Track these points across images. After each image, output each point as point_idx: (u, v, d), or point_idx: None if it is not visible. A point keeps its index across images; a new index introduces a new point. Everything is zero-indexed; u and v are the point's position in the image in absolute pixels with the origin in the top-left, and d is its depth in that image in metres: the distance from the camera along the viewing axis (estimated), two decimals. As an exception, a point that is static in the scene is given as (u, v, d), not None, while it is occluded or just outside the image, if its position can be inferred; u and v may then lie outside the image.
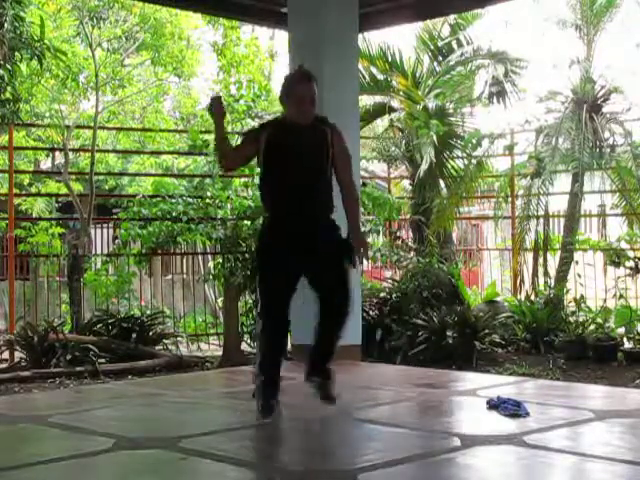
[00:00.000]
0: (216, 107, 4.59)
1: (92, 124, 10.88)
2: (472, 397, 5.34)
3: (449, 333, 8.02)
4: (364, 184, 10.72)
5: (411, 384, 5.72)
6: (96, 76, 10.85)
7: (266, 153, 4.54)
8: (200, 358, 8.67)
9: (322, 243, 4.52)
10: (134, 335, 8.59)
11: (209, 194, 9.56)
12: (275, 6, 7.91)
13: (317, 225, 4.55)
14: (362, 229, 4.76)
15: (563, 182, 10.41)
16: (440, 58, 11.36)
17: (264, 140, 4.54)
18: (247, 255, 8.80)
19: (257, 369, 4.64)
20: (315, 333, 4.66)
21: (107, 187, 15.08)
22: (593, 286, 9.92)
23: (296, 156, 4.50)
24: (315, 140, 4.55)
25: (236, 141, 10.79)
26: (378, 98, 11.67)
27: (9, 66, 7.20)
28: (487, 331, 8.40)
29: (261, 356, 4.66)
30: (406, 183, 12.43)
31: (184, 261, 13.85)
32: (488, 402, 4.82)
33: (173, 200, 9.42)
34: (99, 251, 11.43)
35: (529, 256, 10.25)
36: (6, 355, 8.56)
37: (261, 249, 4.71)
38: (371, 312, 8.55)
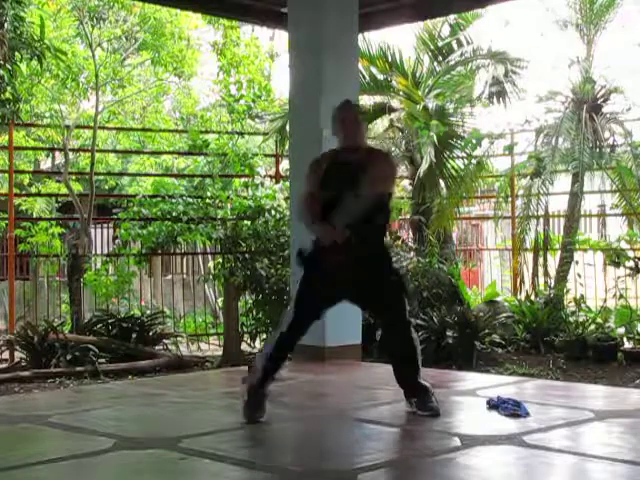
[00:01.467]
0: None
1: (92, 124, 10.88)
2: (472, 397, 5.34)
3: (449, 333, 8.02)
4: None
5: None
6: (96, 76, 10.85)
7: (323, 183, 4.64)
8: (200, 358, 8.67)
9: (371, 275, 4.57)
10: (134, 335, 8.60)
11: (209, 194, 9.57)
12: (275, 6, 7.91)
13: (366, 254, 4.57)
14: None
15: (563, 182, 10.41)
16: (440, 58, 11.34)
17: (323, 172, 4.68)
18: (247, 255, 8.81)
19: (261, 362, 4.66)
20: (390, 357, 4.79)
21: (107, 187, 15.08)
22: (593, 286, 9.92)
23: (345, 185, 4.52)
24: (363, 166, 4.55)
25: (236, 141, 10.82)
26: (378, 98, 11.66)
27: (9, 66, 7.20)
28: (487, 331, 8.40)
29: (269, 352, 4.68)
30: (406, 183, 12.42)
31: (184, 261, 13.86)
32: (488, 402, 4.82)
33: (173, 200, 9.44)
34: (99, 251, 11.43)
35: (529, 256, 10.26)
36: (6, 355, 8.57)
37: (310, 267, 4.70)
38: (371, 312, 8.55)
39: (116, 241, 10.52)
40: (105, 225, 12.75)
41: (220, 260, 9.50)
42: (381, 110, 11.45)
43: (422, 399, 4.63)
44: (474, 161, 10.57)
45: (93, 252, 10.51)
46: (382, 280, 4.60)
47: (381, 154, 4.85)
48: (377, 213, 4.60)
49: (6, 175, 10.75)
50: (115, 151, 13.79)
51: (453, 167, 10.75)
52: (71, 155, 12.33)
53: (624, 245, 9.39)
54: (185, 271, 14.07)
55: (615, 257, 9.07)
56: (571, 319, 8.99)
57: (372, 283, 4.58)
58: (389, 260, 4.80)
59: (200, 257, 12.75)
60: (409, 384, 4.70)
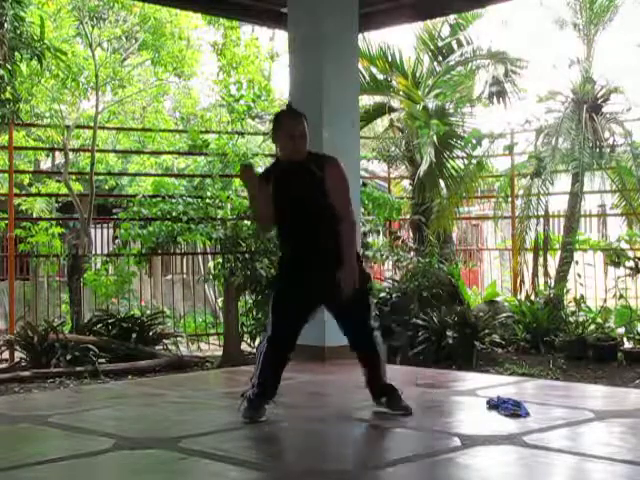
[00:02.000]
0: (250, 176, 4.64)
1: (92, 124, 10.88)
2: (472, 397, 5.34)
3: (449, 333, 8.02)
4: (364, 184, 10.72)
5: (411, 384, 5.72)
6: (96, 76, 10.84)
7: (273, 198, 4.61)
8: (200, 358, 8.67)
9: (334, 280, 4.52)
10: (134, 335, 8.59)
11: (209, 194, 9.57)
12: (275, 6, 7.91)
13: (327, 261, 4.55)
14: (358, 256, 4.71)
15: (563, 182, 10.41)
16: (440, 58, 11.35)
17: (272, 185, 4.62)
18: (247, 255, 8.81)
19: (255, 380, 4.62)
20: (357, 356, 4.78)
21: (107, 187, 15.08)
22: (593, 286, 9.93)
23: (295, 199, 4.56)
24: (310, 178, 4.55)
25: (236, 141, 10.83)
26: (378, 98, 11.67)
27: (9, 66, 7.20)
28: (487, 331, 8.40)
29: (260, 371, 4.63)
30: (406, 183, 12.43)
31: (184, 261, 13.85)
32: (488, 402, 4.82)
33: (173, 200, 9.43)
34: (99, 251, 11.42)
35: (529, 256, 10.26)
36: (6, 355, 8.57)
37: (277, 283, 4.82)
38: (371, 312, 8.54)
39: (116, 241, 10.51)
40: (105, 225, 12.74)
41: (220, 260, 9.49)
42: (381, 110, 11.46)
43: (392, 398, 4.66)
44: (474, 161, 10.58)
45: (93, 252, 10.51)
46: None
47: (331, 166, 4.62)
48: (329, 225, 4.57)
49: (6, 175, 10.75)
50: (115, 151, 13.79)
51: (453, 167, 10.76)
52: (71, 155, 12.32)
53: (624, 245, 9.39)
54: (185, 271, 14.07)
55: (615, 257, 9.07)
56: (571, 319, 9.00)
57: (336, 288, 4.53)
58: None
59: (200, 257, 12.75)
60: (377, 384, 4.72)
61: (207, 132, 11.57)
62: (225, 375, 7.10)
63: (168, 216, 9.20)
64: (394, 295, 8.86)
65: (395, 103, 11.41)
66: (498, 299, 10.02)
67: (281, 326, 4.63)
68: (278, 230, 4.76)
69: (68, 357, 7.82)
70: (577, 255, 10.12)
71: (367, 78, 11.13)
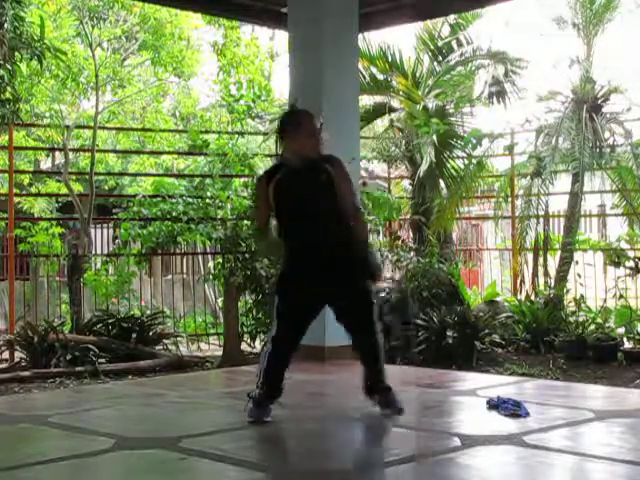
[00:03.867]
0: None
1: (92, 124, 10.88)
2: (472, 397, 5.34)
3: (449, 333, 8.02)
4: (364, 184, 10.71)
5: (411, 384, 5.72)
6: (96, 76, 10.84)
7: (274, 199, 4.61)
8: (200, 358, 8.67)
9: (340, 278, 4.57)
10: (134, 335, 8.59)
11: (209, 194, 9.56)
12: (275, 6, 7.91)
13: (333, 261, 4.57)
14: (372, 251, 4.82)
15: (563, 182, 10.41)
16: (440, 58, 11.35)
17: (272, 188, 4.61)
18: (247, 255, 8.80)
19: (260, 381, 4.62)
20: (358, 356, 4.80)
21: (107, 187, 15.08)
22: (593, 286, 9.93)
23: (300, 198, 4.57)
24: (317, 178, 4.57)
25: (236, 141, 10.83)
26: (378, 98, 11.67)
27: (9, 66, 7.19)
28: (487, 331, 8.40)
29: (264, 372, 4.63)
30: (406, 183, 12.42)
31: (184, 261, 13.85)
32: (488, 402, 4.82)
33: (173, 200, 9.43)
34: (99, 251, 11.42)
35: (529, 256, 10.25)
36: (6, 355, 8.56)
37: (280, 283, 4.79)
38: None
39: (116, 241, 10.52)
40: (105, 225, 12.74)
41: (220, 260, 9.49)
42: (381, 110, 11.45)
43: (385, 398, 4.66)
44: (474, 161, 10.57)
45: (93, 252, 10.50)
46: (350, 284, 4.61)
47: (337, 166, 4.66)
48: (335, 224, 4.61)
49: (6, 175, 10.74)
50: (115, 151, 13.79)
51: (453, 167, 10.75)
52: (71, 155, 12.32)
53: (624, 245, 9.39)
54: (185, 271, 14.07)
55: (615, 257, 9.06)
56: (571, 319, 8.99)
57: (340, 287, 4.58)
58: (355, 263, 4.71)
59: (200, 257, 12.74)
60: (373, 384, 4.72)
61: (207, 132, 11.57)
62: (225, 375, 7.10)
63: (168, 216, 9.20)
64: (394, 295, 8.86)
65: (395, 103, 11.41)
66: (498, 299, 10.01)
67: (285, 327, 4.62)
68: (283, 230, 4.73)
69: (68, 357, 7.81)
70: (577, 255, 10.11)
71: (367, 78, 11.12)
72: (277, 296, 4.73)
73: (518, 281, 10.32)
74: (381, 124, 13.28)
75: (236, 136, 11.12)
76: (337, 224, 4.59)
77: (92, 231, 10.55)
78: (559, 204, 10.85)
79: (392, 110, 11.33)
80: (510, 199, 11.06)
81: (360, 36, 8.75)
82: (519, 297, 10.01)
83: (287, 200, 4.60)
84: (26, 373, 7.63)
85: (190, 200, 9.42)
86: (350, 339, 4.78)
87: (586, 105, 9.96)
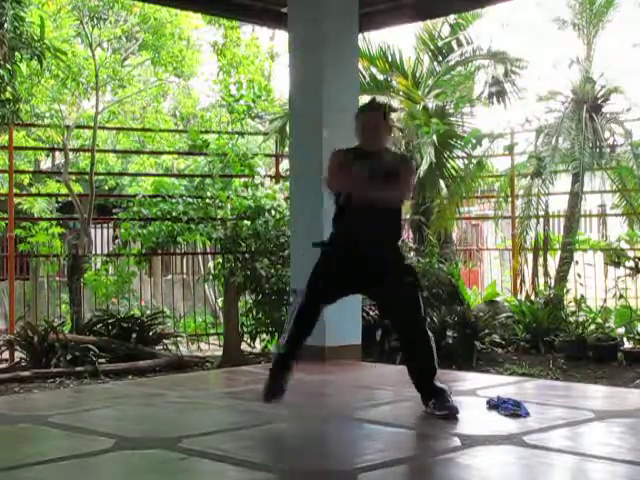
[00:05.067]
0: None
1: (92, 124, 10.88)
2: (472, 397, 5.34)
3: (449, 333, 8.03)
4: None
5: (411, 384, 5.71)
6: (96, 76, 10.84)
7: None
8: (200, 358, 8.67)
9: (386, 270, 4.60)
10: (134, 335, 8.60)
11: (209, 194, 9.57)
12: (275, 6, 7.90)
13: (381, 251, 4.63)
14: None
15: (563, 182, 10.42)
16: (440, 58, 11.35)
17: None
18: (247, 255, 8.81)
19: (284, 337, 4.75)
20: (406, 360, 4.78)
21: (107, 187, 15.09)
22: (593, 286, 9.93)
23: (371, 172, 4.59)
24: (383, 167, 4.62)
25: (236, 141, 10.82)
26: (378, 98, 11.65)
27: (9, 66, 7.20)
28: (487, 331, 8.40)
29: (289, 332, 4.74)
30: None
31: (184, 261, 13.85)
32: (488, 402, 4.82)
33: (173, 200, 9.43)
34: (99, 251, 11.43)
35: (529, 256, 10.26)
36: (6, 355, 8.57)
37: (324, 256, 4.78)
38: (371, 312, 8.55)
39: (116, 241, 10.52)
40: (105, 225, 12.74)
41: (220, 260, 9.50)
42: (381, 110, 11.43)
43: (440, 400, 4.56)
44: (474, 161, 10.58)
45: (93, 252, 10.51)
46: (396, 280, 4.60)
47: (406, 165, 4.82)
48: (394, 217, 4.73)
49: (6, 175, 10.75)
50: (115, 151, 13.79)
51: (453, 167, 10.75)
52: (71, 155, 12.32)
53: (624, 245, 9.40)
54: (185, 271, 14.07)
55: (615, 257, 9.07)
56: (571, 319, 9.00)
57: (386, 283, 4.60)
58: (402, 260, 4.83)
59: (200, 257, 12.75)
60: (426, 387, 4.64)
61: (207, 132, 11.57)
62: (225, 375, 7.09)
63: (168, 216, 9.21)
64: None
65: (395, 103, 11.40)
66: (498, 299, 10.02)
67: (319, 288, 4.65)
68: (344, 208, 4.71)
69: (68, 357, 7.82)
70: (577, 255, 10.12)
71: (367, 78, 11.12)
72: (322, 260, 4.73)
73: (518, 281, 10.33)
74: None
75: (236, 136, 11.12)
76: (393, 216, 4.71)
77: (92, 231, 10.56)
78: (559, 204, 10.86)
79: (392, 110, 11.32)
80: (510, 199, 11.07)
81: (360, 36, 8.73)
82: (519, 297, 10.02)
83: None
84: (26, 373, 7.63)
85: (190, 200, 9.43)
86: (399, 337, 4.79)
87: (586, 105, 9.97)
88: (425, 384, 4.64)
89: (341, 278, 4.66)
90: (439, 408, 4.53)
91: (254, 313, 9.09)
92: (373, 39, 10.99)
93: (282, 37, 14.44)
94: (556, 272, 10.07)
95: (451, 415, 4.48)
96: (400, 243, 4.84)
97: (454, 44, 11.33)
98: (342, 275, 4.65)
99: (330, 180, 4.75)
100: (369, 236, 4.60)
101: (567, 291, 9.74)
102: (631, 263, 8.94)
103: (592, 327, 8.67)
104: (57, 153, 15.21)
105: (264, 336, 9.13)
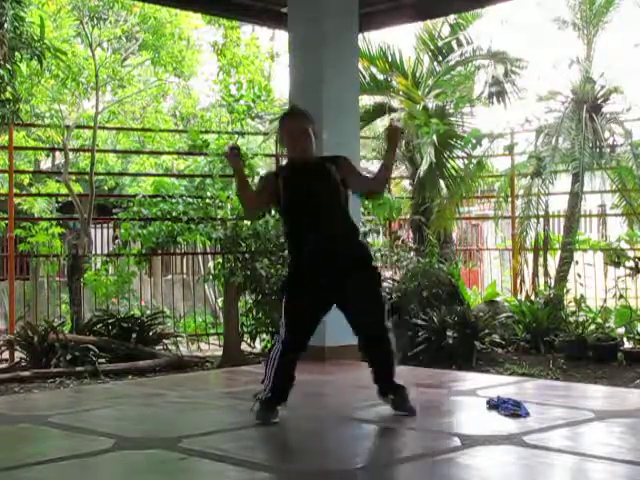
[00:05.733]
0: (233, 158, 4.60)
1: (92, 124, 10.88)
2: (472, 397, 5.34)
3: (449, 333, 8.02)
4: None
5: (411, 384, 5.71)
6: (96, 76, 10.84)
7: (284, 196, 4.56)
8: (200, 358, 8.67)
9: (346, 272, 4.53)
10: (134, 335, 8.60)
11: (209, 194, 9.57)
12: (275, 6, 7.91)
13: (343, 259, 4.55)
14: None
15: (563, 182, 10.41)
16: (440, 58, 11.35)
17: (281, 186, 4.57)
18: (247, 255, 8.80)
19: (268, 383, 4.55)
20: (366, 356, 4.75)
21: (107, 187, 15.09)
22: (593, 286, 9.93)
23: (307, 194, 4.54)
24: (321, 174, 4.58)
25: (236, 141, 10.82)
26: (378, 98, 11.66)
27: (9, 66, 7.19)
28: (487, 331, 8.40)
29: (273, 373, 4.55)
30: (406, 183, 12.42)
31: (184, 261, 13.85)
32: (488, 402, 4.82)
33: (173, 200, 9.43)
34: (99, 251, 11.43)
35: (529, 256, 10.25)
36: (6, 355, 8.57)
37: (288, 283, 4.69)
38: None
39: (116, 241, 10.52)
40: (105, 225, 12.74)
41: (220, 260, 9.49)
42: (381, 110, 11.45)
43: (399, 398, 4.61)
44: (474, 161, 10.57)
45: (93, 252, 10.51)
46: (358, 281, 4.56)
47: (342, 162, 4.69)
48: (342, 221, 4.62)
49: (6, 175, 10.75)
50: (115, 151, 13.79)
51: (453, 167, 10.76)
52: (71, 155, 12.32)
53: (624, 245, 9.39)
54: (185, 271, 14.07)
55: (615, 257, 9.07)
56: (571, 319, 9.00)
57: (349, 285, 4.54)
58: (366, 258, 4.73)
59: (200, 257, 12.74)
60: (385, 384, 4.67)
61: (207, 132, 11.57)
62: (225, 375, 7.09)
63: (168, 216, 9.21)
64: (394, 295, 8.86)
65: (395, 103, 11.40)
66: (498, 299, 10.02)
67: (294, 328, 4.54)
68: (290, 229, 4.70)
69: (68, 357, 7.82)
70: (577, 255, 10.12)
71: (367, 78, 11.12)
72: (286, 296, 4.64)
73: (518, 281, 10.33)
74: (381, 124, 13.28)
75: (236, 136, 11.12)
76: (343, 221, 4.61)
77: (92, 231, 10.56)
78: (559, 204, 10.86)
79: (392, 110, 11.33)
80: (510, 199, 11.07)
81: (360, 36, 8.74)
82: (519, 297, 10.02)
83: (291, 199, 4.56)
84: (26, 373, 7.63)
85: (190, 200, 9.43)
86: (360, 340, 4.70)
87: (586, 105, 9.96)
88: (386, 381, 4.66)
89: (311, 287, 4.52)
90: (399, 407, 4.58)
91: (254, 313, 9.08)
92: (373, 39, 11.01)
93: (282, 37, 14.44)
94: (556, 272, 10.07)
95: (411, 415, 4.53)
96: (361, 239, 4.73)
97: (454, 44, 11.33)
98: (312, 283, 4.52)
99: (246, 206, 4.82)
100: (330, 246, 4.51)
101: (567, 291, 9.73)
102: (631, 263, 8.94)
103: (592, 327, 8.66)
104: (57, 153, 15.21)
105: (264, 336, 9.13)
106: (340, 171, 4.61)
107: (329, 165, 4.62)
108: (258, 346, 9.19)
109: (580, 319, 8.94)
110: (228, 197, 9.40)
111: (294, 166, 4.65)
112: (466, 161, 10.81)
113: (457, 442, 4.02)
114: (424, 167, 10.18)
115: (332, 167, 4.61)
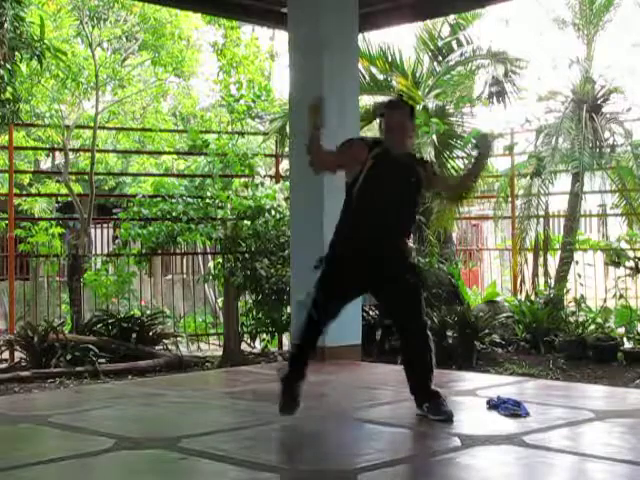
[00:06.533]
0: (315, 111, 4.66)
1: (92, 124, 10.88)
2: (472, 397, 5.34)
3: (449, 333, 8.02)
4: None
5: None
6: (96, 76, 10.84)
7: (367, 174, 4.50)
8: (200, 358, 8.67)
9: (392, 271, 4.55)
10: (134, 335, 8.60)
11: (209, 194, 9.57)
12: (275, 6, 7.91)
13: (389, 251, 4.56)
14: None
15: (563, 182, 10.41)
16: (440, 58, 11.34)
17: (369, 162, 4.51)
18: (247, 255, 8.81)
19: (288, 360, 4.68)
20: (404, 361, 4.73)
21: (107, 187, 15.09)
22: (593, 286, 9.93)
23: (390, 185, 4.50)
24: (410, 174, 4.59)
25: (236, 141, 10.82)
26: (378, 98, 11.66)
27: (9, 66, 7.19)
28: (487, 331, 8.40)
29: (295, 349, 4.67)
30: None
31: (184, 261, 13.86)
32: (488, 402, 4.82)
33: (173, 200, 9.44)
34: (99, 251, 11.43)
35: (529, 256, 10.25)
36: (6, 355, 8.57)
37: (332, 259, 4.63)
38: (371, 312, 8.56)
39: (116, 241, 10.52)
40: (105, 225, 12.74)
41: (220, 260, 9.50)
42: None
43: (435, 404, 4.54)
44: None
45: (93, 252, 10.51)
46: (398, 280, 4.56)
47: (428, 167, 4.81)
48: (407, 220, 4.71)
49: (6, 175, 10.75)
50: (115, 151, 13.78)
51: (453, 167, 10.75)
52: (71, 155, 12.32)
53: (624, 245, 9.39)
54: (185, 271, 14.07)
55: (615, 257, 9.07)
56: (571, 319, 8.99)
57: (388, 283, 4.55)
58: (406, 259, 4.71)
59: (200, 257, 12.75)
60: (422, 390, 4.61)
61: (207, 132, 11.57)
62: (225, 375, 7.09)
63: (168, 216, 9.21)
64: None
65: (395, 103, 11.38)
66: (498, 299, 10.02)
67: (328, 295, 4.55)
68: (356, 206, 4.56)
69: (68, 357, 7.82)
70: (577, 255, 10.11)
71: (367, 78, 11.12)
72: (327, 268, 4.58)
73: (518, 281, 10.33)
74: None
75: (236, 136, 11.12)
76: (408, 222, 4.72)
77: (92, 231, 10.57)
78: (559, 204, 10.85)
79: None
80: (510, 199, 11.06)
81: (360, 36, 8.75)
82: (519, 297, 10.01)
83: (381, 181, 4.50)
84: (26, 373, 7.63)
85: (190, 200, 9.43)
86: (400, 339, 4.70)
87: (586, 105, 9.97)
88: (422, 386, 4.61)
89: (350, 275, 4.52)
90: (434, 412, 4.51)
91: (254, 313, 9.09)
92: (373, 39, 11.00)
93: (282, 37, 14.43)
94: (556, 272, 10.07)
95: (447, 420, 4.46)
96: (407, 240, 4.76)
97: (454, 44, 11.32)
98: (351, 272, 4.51)
99: (315, 162, 4.72)
100: (387, 238, 4.53)
101: (567, 291, 9.73)
102: (631, 263, 8.94)
103: (592, 327, 8.66)
104: (57, 153, 15.20)
105: (264, 336, 9.13)
106: (426, 178, 4.66)
107: (419, 168, 4.65)
108: (258, 346, 9.19)
109: (580, 319, 8.94)
110: (228, 197, 9.40)
111: (389, 152, 4.55)
112: (466, 161, 10.80)
113: (457, 442, 4.02)
114: (424, 167, 10.16)
115: (421, 170, 4.65)
